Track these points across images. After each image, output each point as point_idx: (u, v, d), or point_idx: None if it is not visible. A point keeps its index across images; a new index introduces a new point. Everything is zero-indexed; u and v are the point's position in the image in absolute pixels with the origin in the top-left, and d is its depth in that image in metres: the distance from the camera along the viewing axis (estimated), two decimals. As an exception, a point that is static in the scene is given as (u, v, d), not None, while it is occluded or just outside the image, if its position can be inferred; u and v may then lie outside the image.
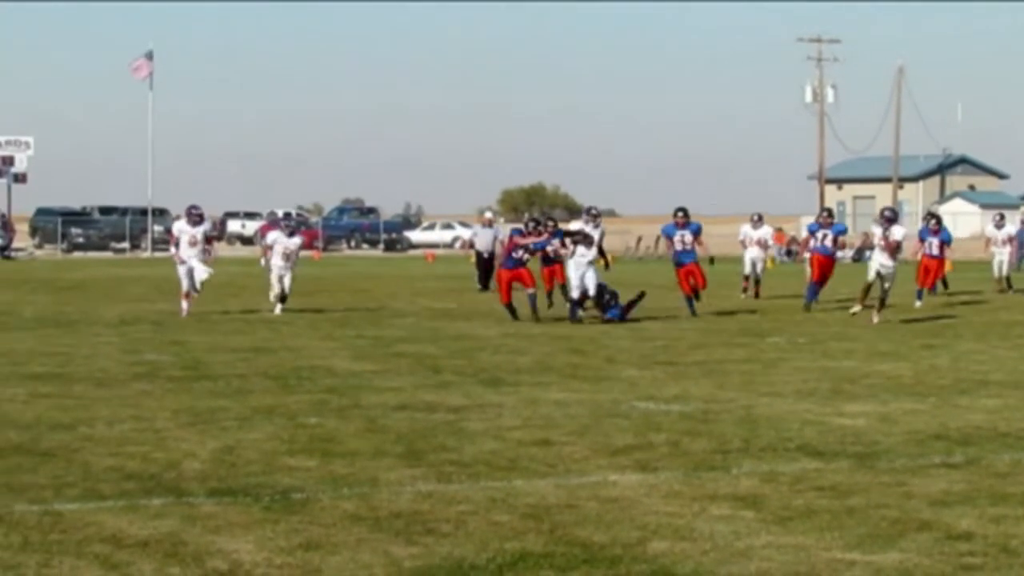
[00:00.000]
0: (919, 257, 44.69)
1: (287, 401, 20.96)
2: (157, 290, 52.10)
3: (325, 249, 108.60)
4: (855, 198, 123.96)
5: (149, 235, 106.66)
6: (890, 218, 39.20)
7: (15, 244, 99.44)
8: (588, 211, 44.79)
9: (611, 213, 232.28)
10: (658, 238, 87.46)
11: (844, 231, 46.02)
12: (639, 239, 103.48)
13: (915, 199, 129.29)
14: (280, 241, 40.03)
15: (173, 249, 40.64)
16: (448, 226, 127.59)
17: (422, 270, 57.95)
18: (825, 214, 45.68)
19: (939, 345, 30.37)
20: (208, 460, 15.82)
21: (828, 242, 42.76)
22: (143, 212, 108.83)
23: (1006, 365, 26.53)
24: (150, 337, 32.55)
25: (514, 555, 11.53)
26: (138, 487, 14.29)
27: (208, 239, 40.56)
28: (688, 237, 41.29)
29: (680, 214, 42.02)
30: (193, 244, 38.79)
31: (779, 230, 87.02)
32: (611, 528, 12.63)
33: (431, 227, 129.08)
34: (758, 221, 50.11)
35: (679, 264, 40.99)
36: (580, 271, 36.25)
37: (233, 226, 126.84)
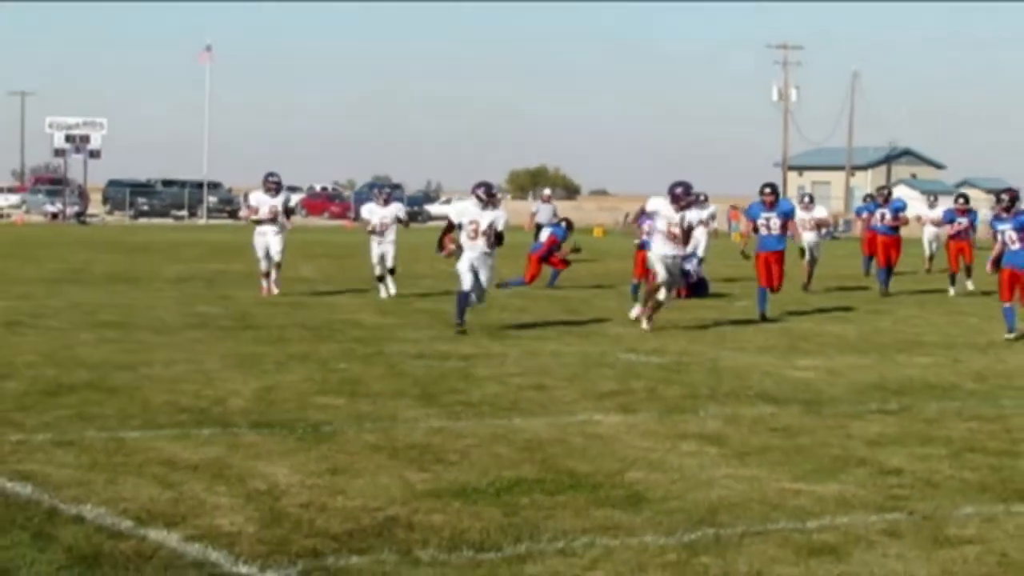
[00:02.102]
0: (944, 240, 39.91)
1: (319, 349, 21.02)
2: (211, 252, 52.20)
3: (356, 219, 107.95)
4: (814, 183, 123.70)
5: (204, 205, 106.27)
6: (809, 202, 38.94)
7: (90, 211, 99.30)
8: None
9: (603, 192, 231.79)
10: (639, 212, 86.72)
11: (903, 207, 39.03)
12: (626, 214, 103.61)
13: (865, 186, 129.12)
14: (375, 212, 31.75)
15: (251, 218, 32.89)
16: (463, 200, 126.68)
17: (434, 238, 57.82)
18: (886, 192, 39.97)
19: (883, 311, 30.38)
20: (250, 397, 15.93)
21: (888, 220, 37.31)
22: (199, 185, 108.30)
23: (939, 329, 26.62)
24: (203, 292, 32.47)
25: (511, 481, 11.66)
26: (190, 419, 14.42)
27: (287, 211, 32.39)
28: (776, 221, 29.10)
29: (768, 191, 29.79)
30: (273, 216, 31.47)
31: (733, 207, 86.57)
32: (594, 460, 12.75)
33: (448, 201, 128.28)
34: (809, 203, 42.94)
35: (762, 248, 29.06)
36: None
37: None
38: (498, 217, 24.03)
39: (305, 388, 16.88)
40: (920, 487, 11.89)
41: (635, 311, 26.27)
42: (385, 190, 33.80)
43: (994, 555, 9.66)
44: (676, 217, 24.24)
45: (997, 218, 23.43)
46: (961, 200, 38.77)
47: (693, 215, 24.86)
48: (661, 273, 24.49)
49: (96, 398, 15.56)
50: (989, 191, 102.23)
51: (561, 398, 16.66)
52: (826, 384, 18.40)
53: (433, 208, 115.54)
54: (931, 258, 45.67)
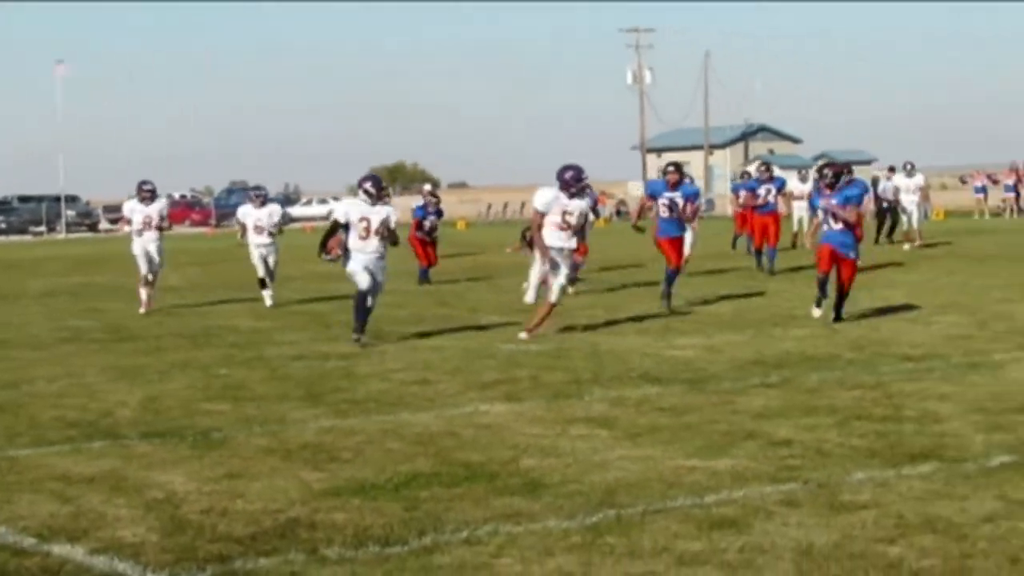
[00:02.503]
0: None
1: (199, 356, 21.00)
2: (74, 266, 51.88)
3: (218, 225, 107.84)
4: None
5: (63, 219, 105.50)
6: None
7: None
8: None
9: (463, 184, 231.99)
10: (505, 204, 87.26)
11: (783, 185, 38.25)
12: (489, 206, 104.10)
13: (724, 163, 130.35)
14: (250, 215, 30.16)
15: (126, 229, 30.94)
16: (323, 201, 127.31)
17: (303, 240, 57.59)
18: (764, 167, 37.93)
19: (754, 287, 30.69)
20: (136, 408, 15.90)
21: (771, 198, 36.24)
22: (57, 199, 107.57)
23: (810, 302, 26.91)
24: (71, 306, 32.29)
25: (407, 475, 11.72)
26: (79, 433, 14.35)
27: (162, 219, 30.24)
28: (678, 201, 27.06)
29: (672, 169, 27.82)
30: (147, 225, 29.51)
31: (602, 193, 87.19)
32: (487, 450, 12.84)
33: (308, 203, 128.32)
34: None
35: (663, 235, 26.89)
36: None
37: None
38: (389, 214, 21.53)
39: (189, 396, 16.85)
40: (811, 456, 12.07)
41: (522, 336, 21.57)
42: (261, 192, 31.82)
43: (891, 518, 9.83)
44: (570, 205, 21.54)
45: (819, 193, 22.78)
46: (763, 168, 37.47)
47: (584, 203, 22.24)
48: (547, 266, 21.83)
49: (-18, 416, 15.50)
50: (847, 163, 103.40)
51: (446, 391, 16.73)
52: (706, 362, 18.63)
53: (294, 210, 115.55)
54: (797, 234, 44.71)
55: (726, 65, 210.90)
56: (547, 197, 21.70)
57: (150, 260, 29.47)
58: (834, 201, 20.90)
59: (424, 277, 36.60)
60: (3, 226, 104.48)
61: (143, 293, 29.53)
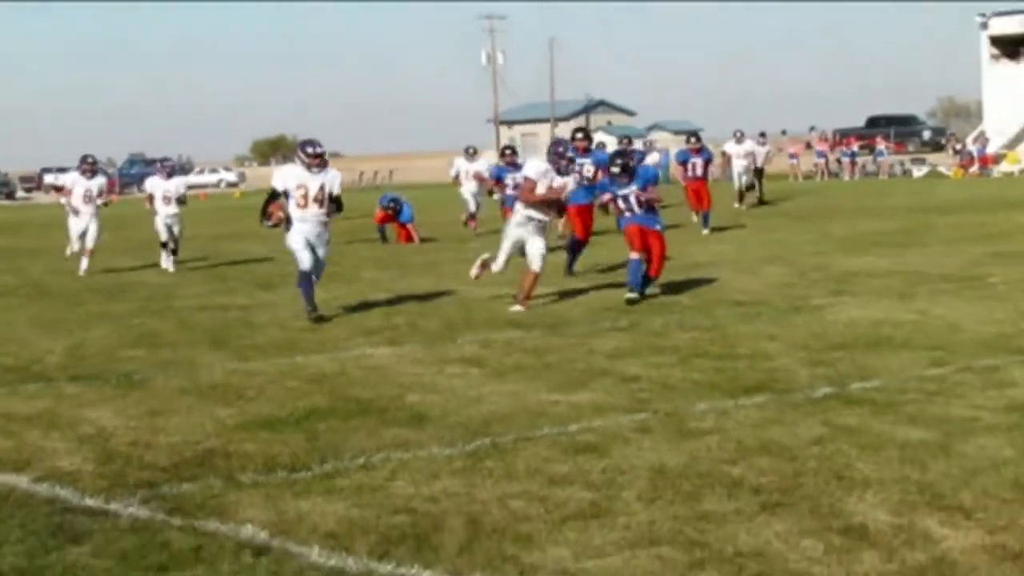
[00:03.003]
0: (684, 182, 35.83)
1: (114, 308, 20.85)
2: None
3: (121, 193, 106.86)
4: (523, 135, 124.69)
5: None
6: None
7: None
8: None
9: (337, 154, 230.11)
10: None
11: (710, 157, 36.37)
12: (361, 173, 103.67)
13: (567, 134, 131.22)
14: (158, 186, 28.12)
15: (62, 200, 29.29)
16: (214, 171, 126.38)
17: (199, 205, 57.26)
18: (694, 140, 35.17)
19: (600, 243, 30.79)
20: (63, 355, 15.84)
21: (699, 170, 34.26)
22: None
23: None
24: (-4, 266, 32.12)
25: (306, 410, 11.80)
26: (15, 377, 14.30)
27: (101, 193, 28.44)
28: (589, 168, 25.27)
29: (580, 135, 26.22)
30: (88, 199, 27.84)
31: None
32: (375, 387, 12.93)
33: (200, 172, 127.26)
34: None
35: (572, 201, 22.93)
36: None
37: (49, 178, 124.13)
38: (333, 179, 18.05)
39: (109, 343, 16.82)
40: (659, 390, 12.24)
41: (515, 308, 18.46)
42: (168, 163, 30.38)
43: (731, 442, 10.01)
44: (557, 181, 18.56)
45: (613, 182, 21.11)
46: (693, 139, 35.46)
47: (571, 180, 19.44)
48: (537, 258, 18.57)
49: (-77, 366, 15.43)
50: (676, 132, 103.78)
51: (335, 336, 16.75)
52: (564, 308, 18.74)
53: (188, 179, 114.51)
54: (741, 192, 43.98)
55: (572, 45, 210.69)
56: (540, 168, 18.79)
57: (84, 236, 27.90)
58: (634, 187, 20.12)
59: None
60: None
61: (84, 261, 27.80)
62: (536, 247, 18.65)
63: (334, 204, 18.19)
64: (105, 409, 12.27)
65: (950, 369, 12.80)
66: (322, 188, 17.73)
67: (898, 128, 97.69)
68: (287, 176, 17.76)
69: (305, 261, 17.73)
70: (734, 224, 35.96)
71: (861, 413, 10.97)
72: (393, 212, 36.34)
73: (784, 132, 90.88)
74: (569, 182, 19.14)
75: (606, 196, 20.05)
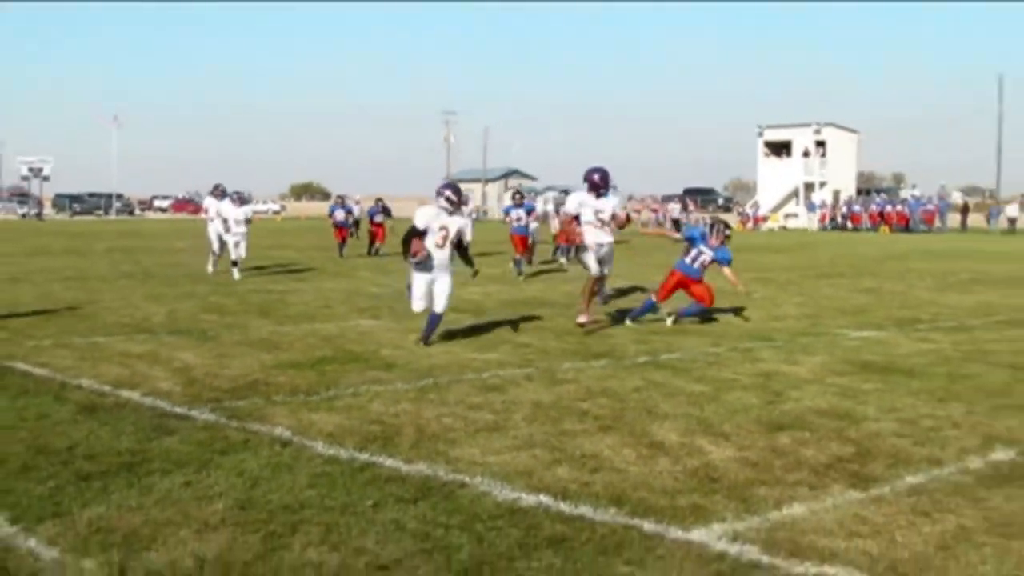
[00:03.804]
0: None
1: (197, 289, 20.75)
2: (119, 235, 50.41)
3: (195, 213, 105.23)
4: (466, 190, 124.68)
5: (113, 207, 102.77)
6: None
7: (45, 212, 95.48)
8: None
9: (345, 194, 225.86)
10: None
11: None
12: (357, 201, 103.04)
13: (494, 192, 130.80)
14: (231, 211, 24.66)
15: (205, 216, 26.44)
16: (264, 203, 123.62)
17: (255, 226, 57.08)
18: (517, 195, 28.47)
19: (510, 269, 30.49)
20: (163, 317, 15.81)
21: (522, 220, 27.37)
22: (110, 195, 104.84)
23: (547, 278, 26.71)
24: (121, 258, 31.52)
25: (319, 358, 11.84)
26: (131, 329, 14.25)
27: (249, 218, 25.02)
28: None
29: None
30: (238, 222, 24.60)
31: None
32: (363, 344, 12.99)
33: (255, 203, 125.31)
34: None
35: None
36: None
37: (207, 203, 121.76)
38: (465, 225, 13.43)
39: (193, 310, 16.78)
40: (540, 354, 12.35)
41: (581, 318, 14.59)
42: (238, 194, 26.29)
43: (583, 388, 10.15)
44: (600, 205, 14.41)
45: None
46: (518, 196, 28.92)
47: (615, 200, 15.42)
48: (593, 264, 14.55)
49: (74, 320, 15.34)
50: (561, 191, 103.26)
51: (340, 313, 16.71)
52: (483, 302, 18.67)
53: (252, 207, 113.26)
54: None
55: (498, 131, 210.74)
56: (577, 200, 14.60)
57: (223, 244, 24.89)
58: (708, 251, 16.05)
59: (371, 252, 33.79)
60: (79, 209, 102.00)
61: (210, 264, 25.31)
62: (599, 265, 14.50)
63: (462, 249, 13.45)
64: (189, 352, 12.31)
65: (722, 349, 12.95)
66: (459, 231, 13.17)
67: (703, 196, 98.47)
68: (429, 216, 13.15)
69: (418, 307, 13.29)
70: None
71: (665, 373, 11.09)
72: (383, 214, 35.12)
73: (630, 197, 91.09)
74: (614, 201, 14.94)
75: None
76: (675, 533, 5.97)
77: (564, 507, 6.39)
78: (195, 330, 14.36)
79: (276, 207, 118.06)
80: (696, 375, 10.99)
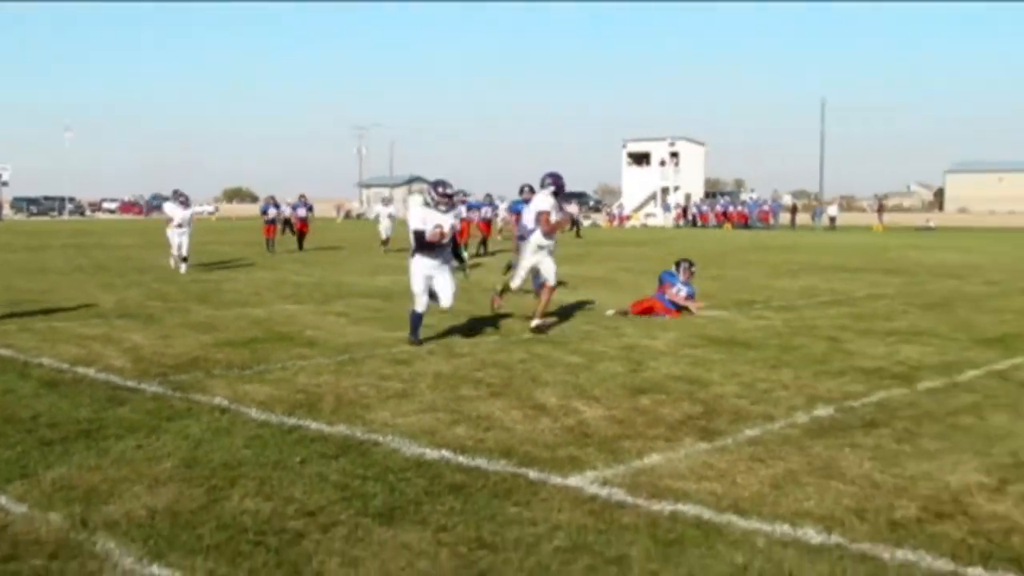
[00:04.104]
0: None
1: (144, 278, 20.30)
2: (73, 234, 49.05)
3: (148, 215, 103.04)
4: (374, 193, 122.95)
5: (66, 209, 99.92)
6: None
7: (4, 213, 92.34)
8: None
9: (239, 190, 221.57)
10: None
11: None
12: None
13: (399, 197, 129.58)
14: (176, 212, 22.66)
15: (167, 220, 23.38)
16: (200, 205, 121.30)
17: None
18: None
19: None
20: (114, 304, 15.46)
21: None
22: (62, 198, 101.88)
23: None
24: (75, 254, 30.69)
25: (251, 337, 11.70)
26: (86, 314, 13.94)
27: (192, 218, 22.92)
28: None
29: (527, 190, 19.53)
30: (183, 221, 22.96)
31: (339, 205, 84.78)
32: (289, 326, 12.85)
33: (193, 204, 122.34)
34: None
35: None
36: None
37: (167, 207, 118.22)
38: (456, 219, 11.57)
39: (140, 298, 16.47)
40: (440, 332, 12.40)
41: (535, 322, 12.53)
42: (182, 196, 23.70)
43: (477, 360, 10.19)
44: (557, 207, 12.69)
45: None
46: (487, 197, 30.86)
47: (575, 207, 14.65)
48: (552, 274, 12.79)
49: (35, 307, 14.95)
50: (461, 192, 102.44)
51: (268, 299, 16.47)
52: (393, 287, 18.39)
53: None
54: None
55: (405, 143, 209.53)
56: (548, 201, 12.59)
57: (180, 244, 22.83)
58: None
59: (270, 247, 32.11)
60: (35, 211, 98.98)
61: (172, 261, 23.24)
62: (550, 266, 12.79)
63: (455, 247, 11.85)
64: (137, 334, 12.07)
65: (594, 326, 13.06)
66: (452, 227, 11.39)
67: (577, 198, 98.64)
68: (425, 217, 11.24)
69: (421, 306, 11.39)
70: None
71: (546, 347, 11.16)
72: (306, 209, 34.28)
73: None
74: (573, 208, 13.86)
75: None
76: (555, 479, 6.06)
77: (462, 460, 6.45)
78: (142, 315, 14.09)
79: (211, 208, 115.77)
80: (572, 348, 11.08)
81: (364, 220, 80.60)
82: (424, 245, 11.31)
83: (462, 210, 12.04)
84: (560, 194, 12.90)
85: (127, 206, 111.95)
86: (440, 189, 11.36)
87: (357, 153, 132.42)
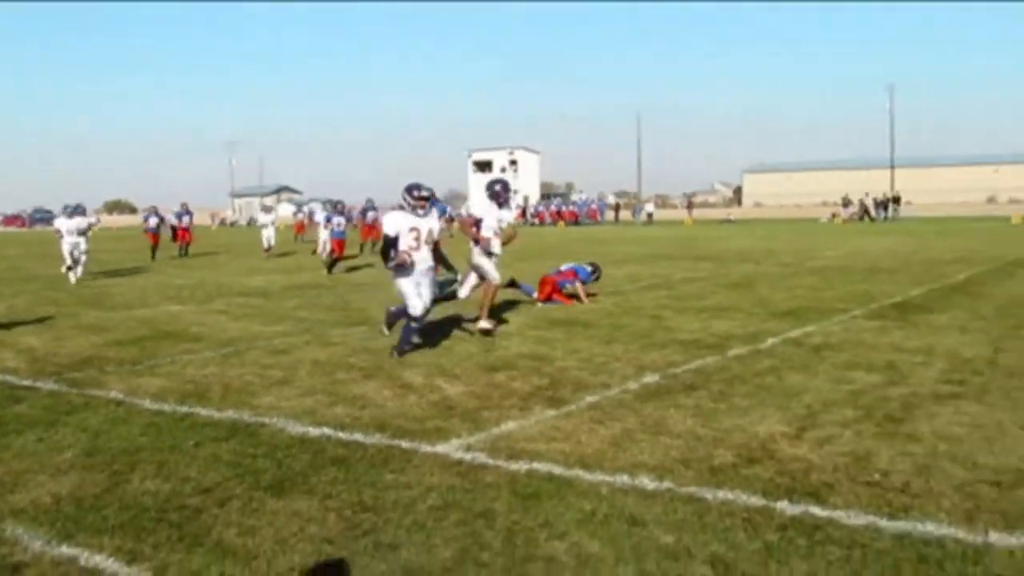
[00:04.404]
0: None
1: (32, 287, 19.29)
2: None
3: (32, 228, 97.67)
4: (246, 203, 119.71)
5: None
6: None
7: None
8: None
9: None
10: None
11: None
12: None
13: (271, 202, 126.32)
14: (64, 223, 20.85)
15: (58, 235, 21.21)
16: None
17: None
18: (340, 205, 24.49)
19: (305, 265, 29.73)
20: (4, 309, 14.72)
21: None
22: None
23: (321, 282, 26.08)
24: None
25: (140, 336, 11.32)
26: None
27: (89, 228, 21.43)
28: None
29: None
30: (70, 232, 21.14)
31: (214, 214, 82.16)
32: (174, 324, 12.41)
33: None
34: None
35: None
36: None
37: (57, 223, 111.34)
38: (435, 223, 9.84)
39: (31, 304, 15.59)
40: (315, 324, 12.00)
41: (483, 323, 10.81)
42: (71, 208, 22.07)
43: (349, 348, 10.02)
44: (501, 214, 11.16)
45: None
46: (340, 204, 25.67)
47: (512, 213, 12.07)
48: (494, 273, 11.07)
49: (-74, 316, 14.12)
50: (323, 202, 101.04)
51: (153, 301, 15.81)
52: (269, 286, 18.01)
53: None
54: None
55: (275, 157, 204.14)
56: (484, 208, 11.17)
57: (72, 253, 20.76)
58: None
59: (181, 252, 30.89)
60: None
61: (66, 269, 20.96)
62: (491, 265, 11.10)
63: (437, 252, 9.88)
64: (31, 337, 11.49)
65: (453, 314, 13.19)
66: (430, 231, 9.66)
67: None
68: (398, 221, 9.53)
69: (417, 308, 9.57)
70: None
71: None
72: (187, 216, 32.54)
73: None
74: (511, 214, 11.62)
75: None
76: (425, 448, 6.10)
77: (342, 435, 6.41)
78: (34, 319, 13.42)
79: (93, 220, 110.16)
80: (433, 334, 11.10)
81: (238, 227, 78.49)
82: (388, 253, 9.43)
83: (434, 213, 9.75)
84: (501, 202, 11.22)
85: (9, 219, 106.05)
86: (416, 193, 9.55)
87: (229, 165, 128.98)
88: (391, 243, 9.42)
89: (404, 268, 9.52)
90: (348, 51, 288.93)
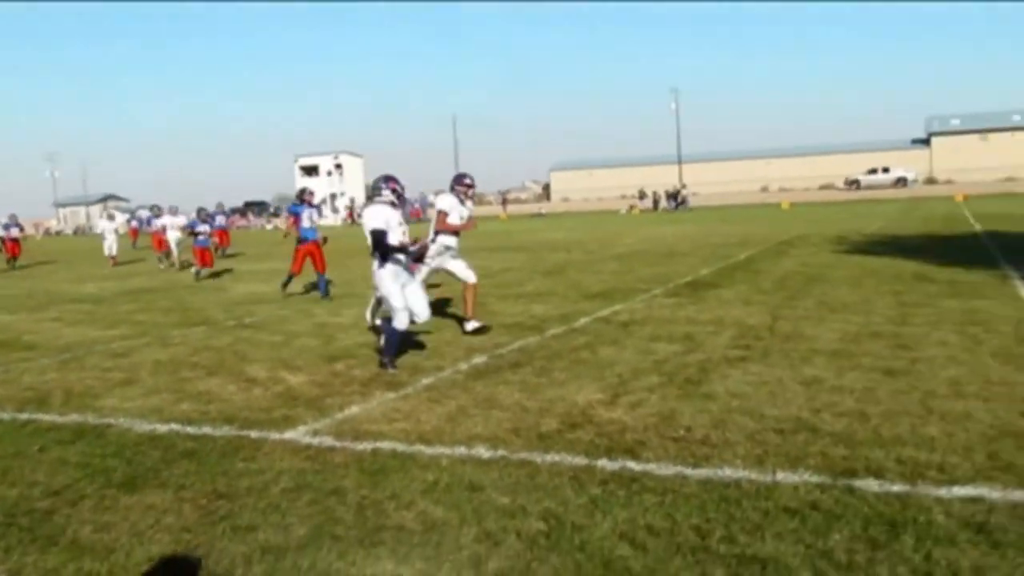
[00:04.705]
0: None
1: None
2: None
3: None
4: (71, 212, 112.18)
5: None
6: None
7: None
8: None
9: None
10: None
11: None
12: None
13: (96, 212, 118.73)
14: None
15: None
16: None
17: None
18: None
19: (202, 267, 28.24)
20: None
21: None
22: None
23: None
24: None
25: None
26: None
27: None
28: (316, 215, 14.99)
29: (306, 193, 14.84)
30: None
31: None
32: (8, 333, 11.61)
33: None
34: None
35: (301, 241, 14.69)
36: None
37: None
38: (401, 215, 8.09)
39: None
40: (153, 327, 11.59)
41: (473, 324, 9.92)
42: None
43: (190, 347, 9.73)
44: (463, 210, 9.94)
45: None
46: (203, 212, 21.64)
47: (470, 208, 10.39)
48: (469, 274, 10.01)
49: None
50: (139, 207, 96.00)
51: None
52: (101, 294, 17.18)
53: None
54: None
55: (97, 162, 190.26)
56: (448, 202, 9.84)
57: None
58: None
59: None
60: None
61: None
62: (461, 266, 10.02)
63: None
64: None
65: (288, 311, 12.73)
66: (400, 223, 8.01)
67: (259, 207, 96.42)
68: (384, 215, 7.89)
69: (403, 323, 7.94)
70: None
71: (249, 332, 10.79)
72: (17, 228, 29.76)
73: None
74: (469, 209, 10.27)
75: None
76: (274, 436, 6.00)
77: (191, 430, 6.23)
78: None
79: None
80: (272, 330, 10.83)
81: (64, 236, 73.84)
82: (387, 248, 7.88)
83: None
84: (464, 197, 10.09)
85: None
86: (393, 186, 8.03)
87: (50, 176, 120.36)
88: (381, 237, 7.83)
89: (422, 254, 8.51)
90: (176, 59, 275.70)
